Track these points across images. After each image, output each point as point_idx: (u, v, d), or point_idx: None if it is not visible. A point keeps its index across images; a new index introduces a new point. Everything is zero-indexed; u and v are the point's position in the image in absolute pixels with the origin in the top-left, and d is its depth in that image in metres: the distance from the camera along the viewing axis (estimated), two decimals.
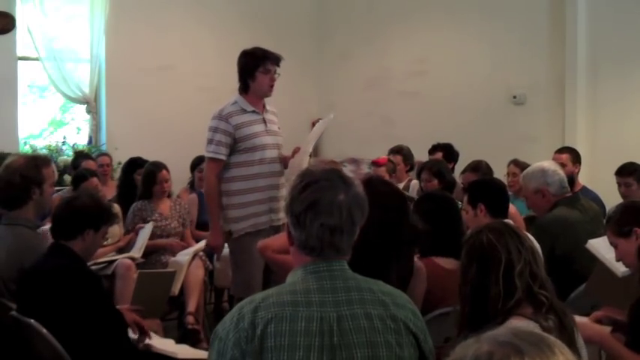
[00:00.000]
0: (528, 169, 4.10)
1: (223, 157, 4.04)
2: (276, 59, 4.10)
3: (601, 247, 3.22)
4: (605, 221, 3.17)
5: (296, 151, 4.18)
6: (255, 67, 4.07)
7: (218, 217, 4.11)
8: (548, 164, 4.12)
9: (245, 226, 4.05)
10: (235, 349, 1.68)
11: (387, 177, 5.27)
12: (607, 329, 2.72)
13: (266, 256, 3.07)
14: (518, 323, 1.98)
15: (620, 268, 3.04)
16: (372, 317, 1.75)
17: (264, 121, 4.12)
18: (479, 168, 5.17)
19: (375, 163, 5.38)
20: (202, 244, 5.00)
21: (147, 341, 3.12)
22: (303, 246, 1.82)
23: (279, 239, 2.98)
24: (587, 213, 3.98)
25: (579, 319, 2.30)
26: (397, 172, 5.85)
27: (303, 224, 1.79)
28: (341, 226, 1.78)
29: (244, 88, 4.11)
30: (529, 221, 4.58)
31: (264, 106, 4.17)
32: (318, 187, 1.80)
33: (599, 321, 2.78)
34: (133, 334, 3.11)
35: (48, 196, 3.48)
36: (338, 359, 1.69)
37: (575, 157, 5.42)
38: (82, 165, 6.08)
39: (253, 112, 4.09)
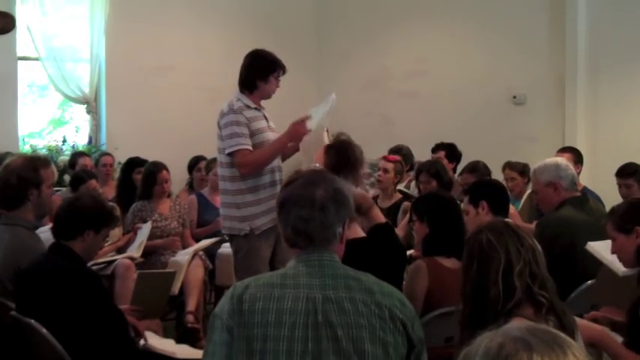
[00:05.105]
0: (541, 164, 4.05)
1: (250, 147, 3.97)
2: (284, 69, 4.15)
3: (602, 248, 3.21)
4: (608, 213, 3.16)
5: (304, 118, 4.12)
6: (270, 72, 4.09)
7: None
8: (561, 160, 4.11)
9: (266, 221, 4.02)
10: (230, 319, 1.81)
11: (392, 174, 5.29)
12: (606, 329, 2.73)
13: None
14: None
15: (621, 268, 3.04)
16: (356, 302, 1.84)
17: (265, 118, 4.15)
18: (476, 169, 5.17)
19: (386, 158, 5.43)
20: (203, 243, 5.01)
21: (144, 341, 3.11)
22: (286, 239, 1.96)
23: None
24: (594, 214, 3.96)
25: (578, 320, 2.30)
26: None
27: (282, 218, 1.95)
28: (312, 216, 1.89)
29: (250, 88, 4.09)
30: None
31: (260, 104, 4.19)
32: (297, 184, 1.95)
33: (595, 321, 2.79)
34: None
35: (47, 197, 3.46)
36: (322, 336, 1.78)
37: (578, 157, 5.39)
38: (79, 162, 6.06)
39: (256, 108, 4.11)
